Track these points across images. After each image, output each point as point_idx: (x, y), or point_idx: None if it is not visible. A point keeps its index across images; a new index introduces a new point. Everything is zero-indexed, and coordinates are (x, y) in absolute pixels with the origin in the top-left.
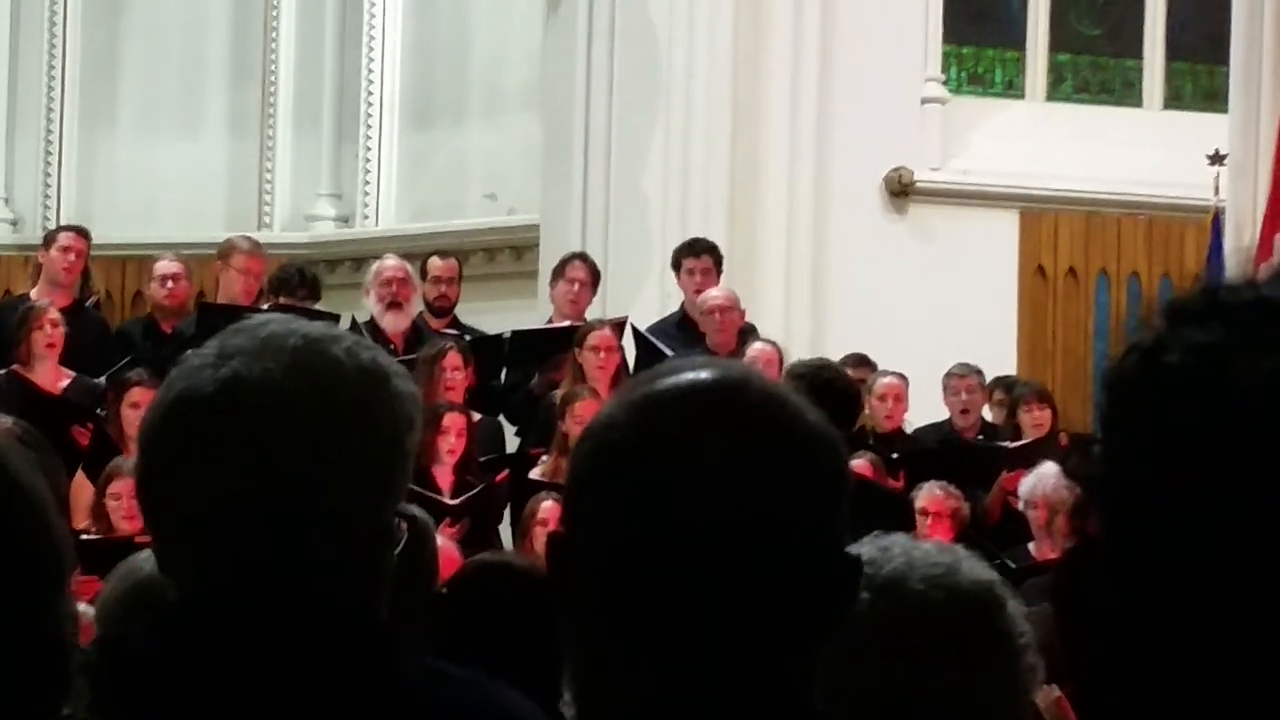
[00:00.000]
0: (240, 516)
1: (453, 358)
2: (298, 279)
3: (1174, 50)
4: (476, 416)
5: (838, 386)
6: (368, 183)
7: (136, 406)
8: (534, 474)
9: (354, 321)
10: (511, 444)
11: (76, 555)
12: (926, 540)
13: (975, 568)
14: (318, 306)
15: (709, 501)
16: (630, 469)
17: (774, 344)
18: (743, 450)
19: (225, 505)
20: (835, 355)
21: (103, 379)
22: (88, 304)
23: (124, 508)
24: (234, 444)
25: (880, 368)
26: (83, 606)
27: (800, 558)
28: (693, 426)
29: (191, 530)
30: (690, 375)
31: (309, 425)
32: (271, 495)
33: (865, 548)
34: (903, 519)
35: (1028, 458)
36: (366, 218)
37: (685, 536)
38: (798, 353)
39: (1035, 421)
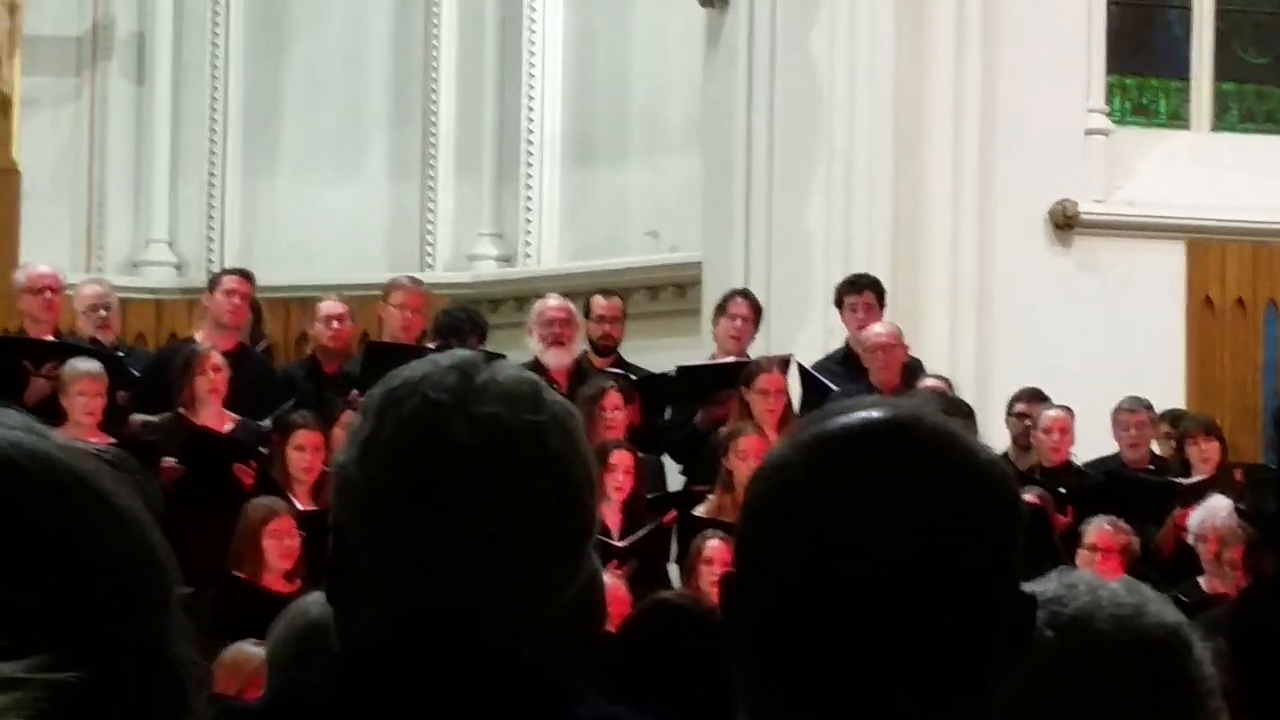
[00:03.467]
0: (425, 560)
1: (612, 397)
2: (462, 319)
3: None
4: (640, 455)
5: None
6: (529, 222)
7: (301, 449)
8: (699, 511)
9: None
10: (674, 481)
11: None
12: (1111, 578)
13: (1163, 609)
14: (484, 348)
15: (883, 540)
16: (803, 509)
17: (943, 379)
18: (916, 488)
19: (412, 549)
20: (1000, 389)
21: (267, 421)
22: (259, 348)
23: (282, 547)
24: (433, 489)
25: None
26: (252, 646)
27: (975, 595)
28: (865, 465)
29: (374, 572)
30: (862, 414)
31: (506, 470)
32: (459, 540)
33: (1050, 584)
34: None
35: (1199, 494)
36: (528, 257)
37: (859, 576)
38: (964, 388)
39: (1203, 455)
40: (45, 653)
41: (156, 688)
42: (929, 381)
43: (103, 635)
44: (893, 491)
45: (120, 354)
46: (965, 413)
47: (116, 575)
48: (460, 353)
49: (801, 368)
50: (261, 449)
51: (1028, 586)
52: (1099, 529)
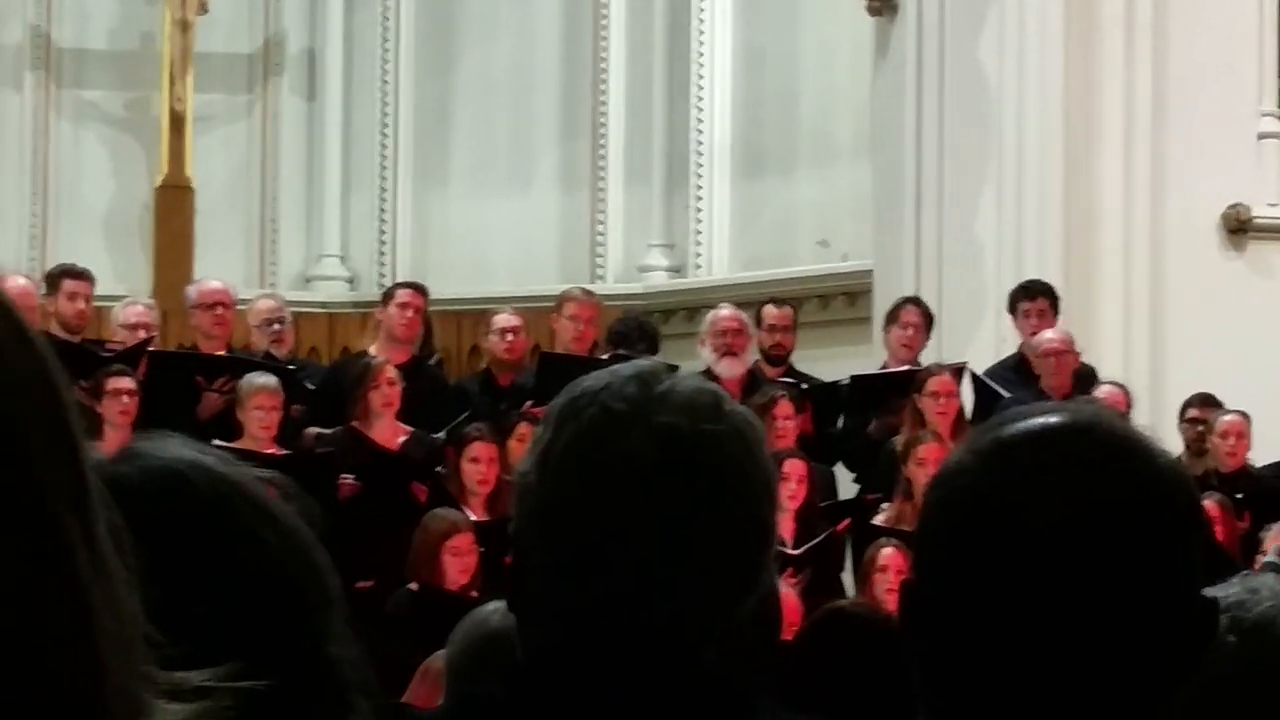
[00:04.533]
0: (604, 571)
1: (783, 406)
2: (635, 330)
3: None
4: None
5: None
6: (699, 232)
7: (476, 461)
8: (877, 520)
9: None
10: (846, 489)
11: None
12: None
13: None
14: (655, 358)
15: (1062, 545)
16: (982, 514)
17: (1121, 386)
18: (1095, 492)
19: (591, 559)
20: (1175, 395)
21: (441, 434)
22: (430, 362)
23: (462, 563)
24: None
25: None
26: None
27: (1156, 599)
28: (1044, 470)
29: (554, 582)
30: (1040, 419)
31: (684, 480)
32: (637, 551)
33: (1233, 589)
34: None
35: None
36: (699, 267)
37: (1039, 581)
38: (1136, 394)
39: None
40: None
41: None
42: (1105, 388)
43: (271, 643)
44: (1072, 496)
45: (294, 368)
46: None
47: (281, 585)
48: (641, 363)
49: (975, 375)
50: (438, 469)
51: (1209, 591)
52: (1278, 534)
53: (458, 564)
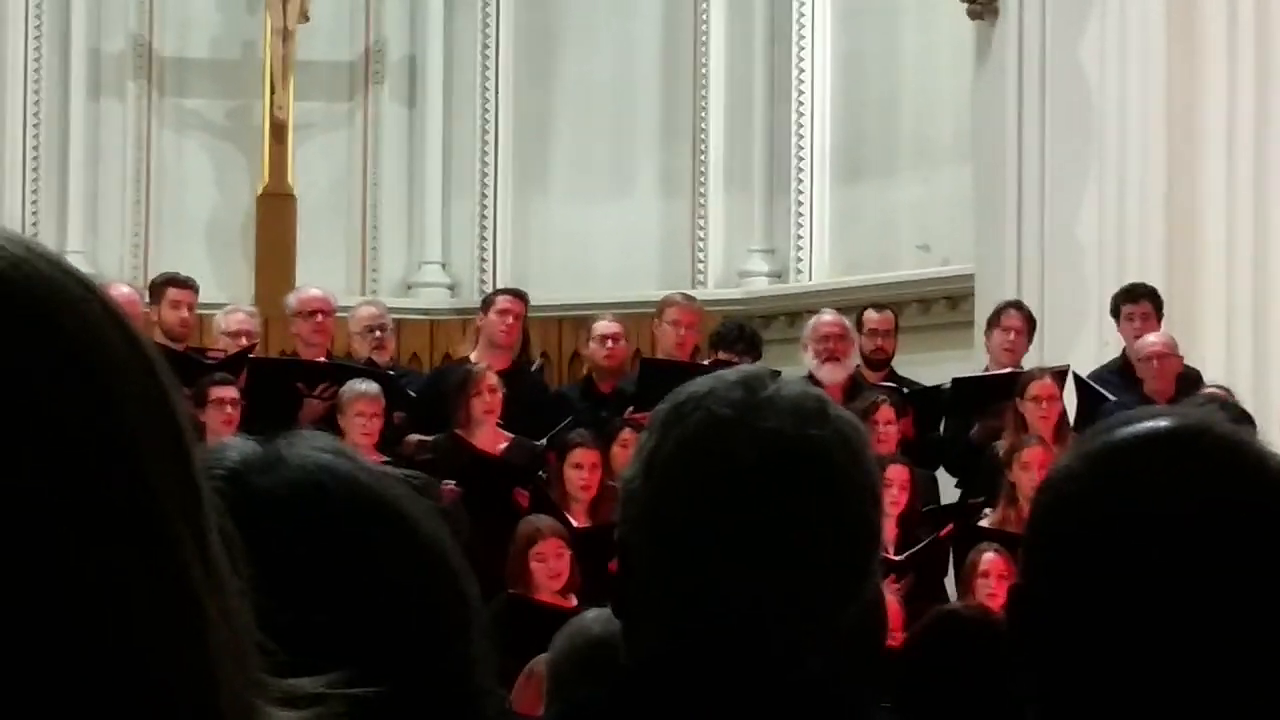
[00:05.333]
0: (709, 576)
1: (885, 411)
2: (737, 335)
3: None
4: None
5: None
6: (800, 238)
7: (579, 467)
8: (983, 523)
9: None
10: (948, 495)
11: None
12: None
13: None
14: (758, 363)
15: (1173, 549)
16: (1090, 520)
17: (1225, 389)
18: (1206, 496)
19: (696, 565)
20: (1279, 397)
21: (543, 441)
22: (532, 368)
23: (549, 568)
24: (715, 505)
25: None
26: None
27: (1270, 603)
28: (1154, 474)
29: (660, 588)
30: (1149, 423)
31: (788, 485)
32: (742, 556)
33: None
34: None
35: None
36: (800, 273)
37: (1150, 586)
38: (1241, 397)
39: None
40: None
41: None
42: (1208, 392)
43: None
44: (1183, 500)
45: (395, 374)
46: (1247, 420)
47: (414, 601)
48: (745, 368)
49: (1078, 378)
50: (540, 472)
51: None
52: None
53: (545, 569)
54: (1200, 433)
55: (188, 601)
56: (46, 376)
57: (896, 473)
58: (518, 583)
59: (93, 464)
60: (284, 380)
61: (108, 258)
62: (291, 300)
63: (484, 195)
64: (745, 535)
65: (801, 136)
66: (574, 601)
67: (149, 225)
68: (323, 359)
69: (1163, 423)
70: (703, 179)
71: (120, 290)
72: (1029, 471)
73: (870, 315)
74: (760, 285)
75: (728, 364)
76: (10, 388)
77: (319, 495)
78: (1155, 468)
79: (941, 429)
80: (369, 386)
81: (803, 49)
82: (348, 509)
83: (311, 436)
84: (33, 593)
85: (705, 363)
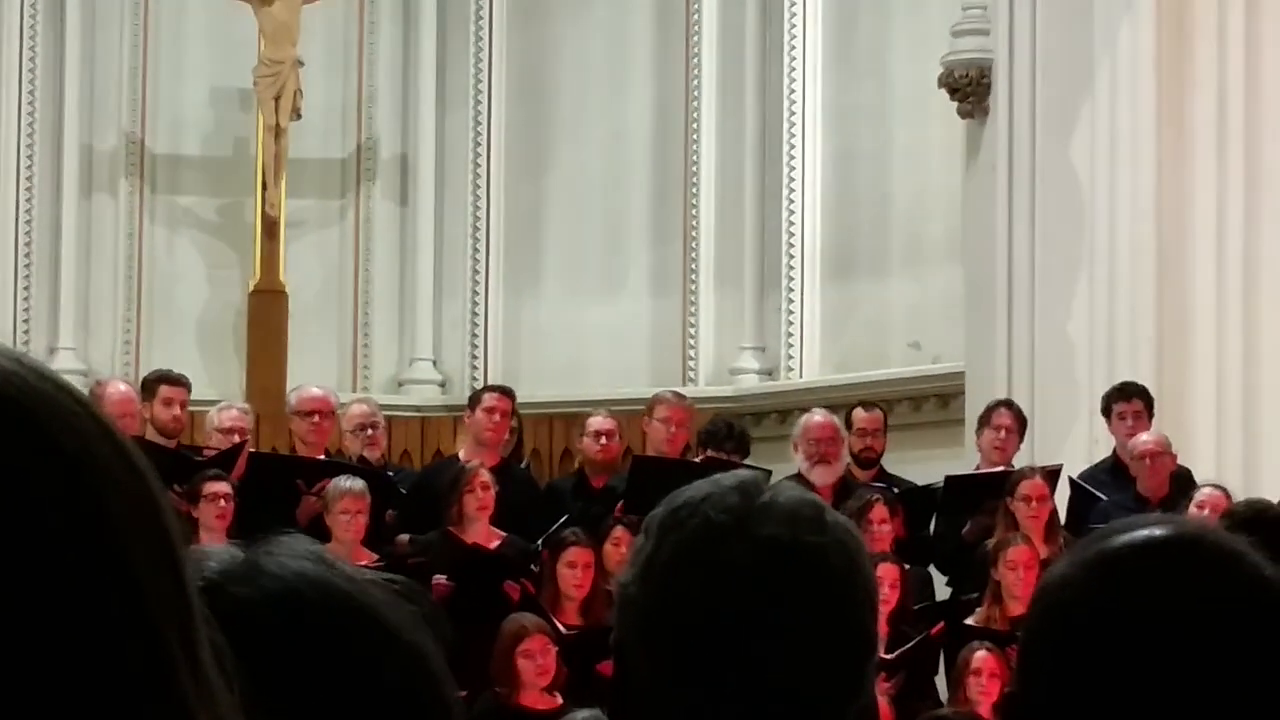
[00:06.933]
0: (706, 682)
1: (879, 510)
2: (725, 433)
3: None
4: (906, 567)
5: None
6: (790, 335)
7: (573, 565)
8: (970, 620)
9: None
10: (942, 592)
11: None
12: None
13: None
14: (746, 461)
15: (1169, 657)
16: (1087, 627)
17: (1222, 488)
18: (1202, 605)
19: (693, 671)
20: (1270, 496)
21: (538, 543)
22: (522, 464)
23: (535, 666)
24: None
25: None
26: None
27: (1266, 713)
28: (1149, 584)
29: (657, 693)
30: (1145, 531)
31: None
32: (739, 663)
33: None
34: None
35: None
36: (790, 370)
37: (1146, 693)
38: (1232, 497)
39: None
40: None
41: None
42: (1206, 490)
43: None
44: (1179, 608)
45: (389, 473)
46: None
47: (394, 709)
48: (741, 473)
49: (1071, 479)
50: (531, 566)
51: None
52: None
53: (532, 667)
54: (1196, 541)
55: (179, 714)
56: (39, 490)
57: (887, 572)
58: (504, 680)
59: (84, 576)
60: (283, 477)
61: (99, 354)
62: (292, 398)
63: (475, 292)
64: (743, 641)
65: (792, 235)
66: (559, 700)
67: (140, 321)
68: (321, 457)
69: (1158, 531)
70: (694, 277)
71: (118, 388)
72: (1015, 570)
73: (859, 414)
74: (751, 383)
75: (717, 461)
76: (2, 500)
77: (297, 605)
78: (1151, 575)
79: (933, 527)
80: (354, 484)
81: (793, 147)
82: (325, 619)
83: (293, 542)
84: (26, 705)
85: (696, 460)
